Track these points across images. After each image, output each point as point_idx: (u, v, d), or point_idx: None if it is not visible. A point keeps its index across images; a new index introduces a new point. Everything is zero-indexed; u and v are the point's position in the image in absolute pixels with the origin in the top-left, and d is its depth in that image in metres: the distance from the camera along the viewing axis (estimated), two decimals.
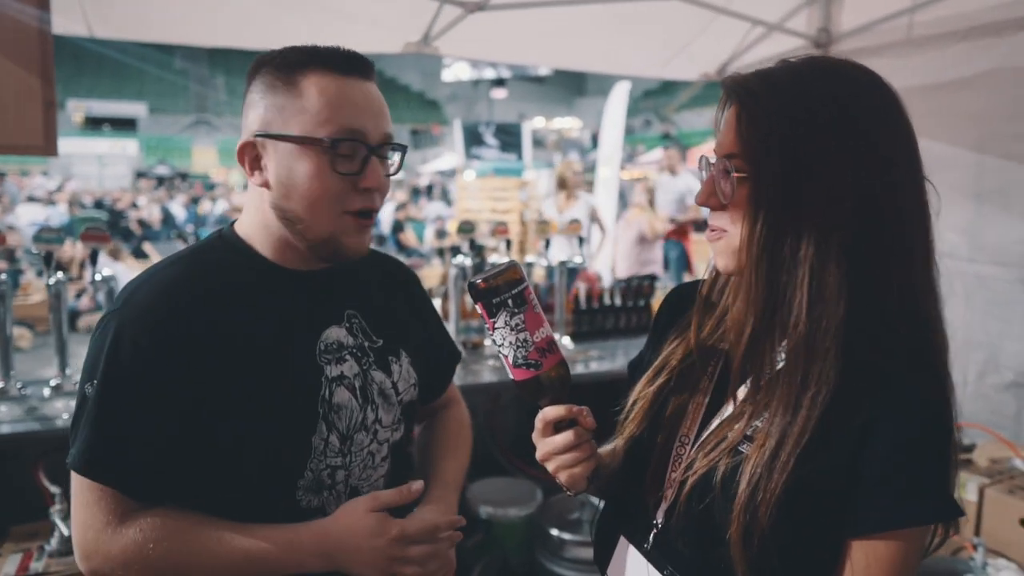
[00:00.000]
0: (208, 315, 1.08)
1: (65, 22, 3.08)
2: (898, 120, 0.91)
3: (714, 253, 0.98)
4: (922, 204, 0.92)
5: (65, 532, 2.04)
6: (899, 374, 0.88)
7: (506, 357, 0.98)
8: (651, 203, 6.56)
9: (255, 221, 1.16)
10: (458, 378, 2.85)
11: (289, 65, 1.08)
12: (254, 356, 1.09)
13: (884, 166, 0.88)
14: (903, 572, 0.87)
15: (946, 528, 0.91)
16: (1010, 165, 2.87)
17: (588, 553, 2.82)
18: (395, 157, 1.18)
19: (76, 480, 1.05)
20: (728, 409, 0.98)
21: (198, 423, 1.06)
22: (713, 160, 0.95)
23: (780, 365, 0.91)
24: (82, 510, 1.05)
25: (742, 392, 0.96)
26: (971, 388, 3.13)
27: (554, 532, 2.88)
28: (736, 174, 0.90)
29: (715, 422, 0.98)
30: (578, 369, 3.10)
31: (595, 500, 1.16)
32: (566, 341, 3.43)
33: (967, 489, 2.49)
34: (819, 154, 0.87)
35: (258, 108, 1.09)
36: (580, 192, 6.49)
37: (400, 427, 1.27)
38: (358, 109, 1.09)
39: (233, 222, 1.22)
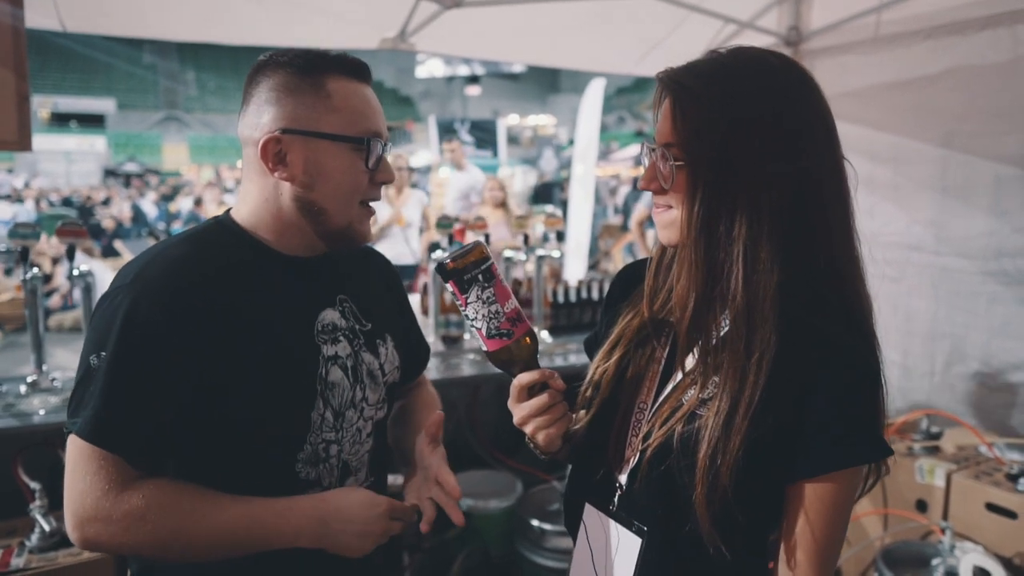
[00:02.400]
0: (214, 292, 1.13)
1: (37, 16, 3.04)
2: (818, 109, 1.00)
3: (658, 227, 1.07)
4: (841, 182, 1.02)
5: (46, 528, 2.04)
6: (831, 335, 0.97)
7: (479, 330, 1.05)
8: (505, 203, 6.06)
9: (262, 211, 1.21)
10: (437, 372, 2.90)
11: (310, 68, 1.16)
12: (257, 334, 1.15)
13: (806, 153, 0.97)
14: (840, 510, 0.98)
15: (877, 470, 1.01)
16: (973, 160, 2.95)
17: (568, 543, 2.86)
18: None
19: (77, 448, 1.07)
20: (678, 376, 1.05)
21: (205, 396, 1.10)
22: (653, 147, 1.03)
23: (724, 331, 1.00)
24: (81, 478, 1.06)
25: (690, 361, 1.04)
26: (938, 378, 3.21)
27: (534, 523, 2.92)
28: (674, 162, 0.99)
29: (668, 388, 1.06)
30: (557, 363, 3.14)
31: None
32: (544, 335, 3.47)
33: (935, 475, 2.57)
34: (747, 145, 0.95)
35: (280, 106, 1.15)
36: (408, 188, 6.17)
37: (383, 406, 1.35)
38: (374, 112, 1.21)
39: (228, 211, 1.26)
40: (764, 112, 0.96)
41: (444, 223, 3.28)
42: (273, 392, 1.15)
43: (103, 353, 1.07)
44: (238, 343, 1.13)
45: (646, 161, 1.05)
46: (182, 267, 1.13)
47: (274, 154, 1.15)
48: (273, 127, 1.15)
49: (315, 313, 1.23)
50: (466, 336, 3.30)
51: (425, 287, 3.60)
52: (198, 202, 13.02)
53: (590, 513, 1.14)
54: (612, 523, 1.10)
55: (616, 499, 1.09)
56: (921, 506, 2.62)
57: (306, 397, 1.19)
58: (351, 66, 1.19)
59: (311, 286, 1.25)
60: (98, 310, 1.12)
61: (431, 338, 3.21)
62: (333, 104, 1.16)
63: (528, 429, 1.08)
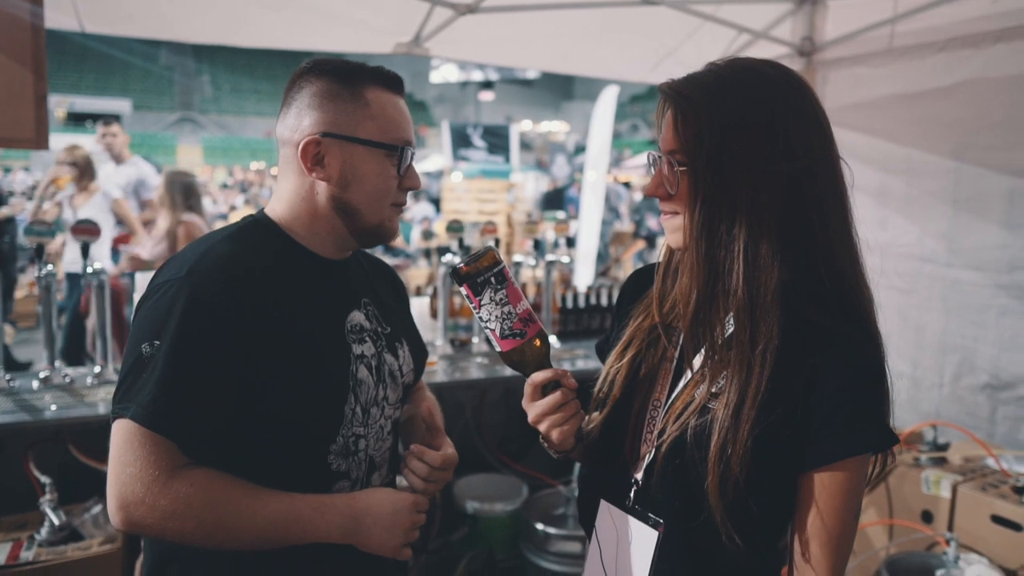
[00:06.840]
0: (259, 289, 1.19)
1: (56, 16, 3.08)
2: (811, 113, 1.04)
3: (667, 232, 1.11)
4: (837, 182, 1.05)
5: (56, 522, 2.06)
6: (832, 329, 1.01)
7: (493, 331, 1.09)
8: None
9: (298, 208, 1.29)
10: (445, 374, 2.92)
11: (351, 77, 1.25)
12: (298, 330, 1.21)
13: (800, 154, 1.01)
14: (850, 499, 1.01)
15: (884, 458, 1.04)
16: (985, 173, 2.95)
17: (573, 547, 2.87)
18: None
19: (128, 432, 1.09)
20: (689, 374, 1.09)
21: (250, 387, 1.15)
22: (659, 156, 1.08)
23: (730, 331, 1.03)
24: (132, 463, 1.09)
25: (698, 360, 1.07)
26: (947, 389, 3.20)
27: (539, 527, 2.92)
28: (678, 168, 1.04)
29: (680, 385, 1.09)
30: (565, 367, 3.15)
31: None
32: (553, 340, 3.47)
33: (941, 486, 2.56)
34: (744, 149, 1.00)
35: (321, 111, 1.24)
36: (94, 184, 5.32)
37: (400, 406, 1.42)
38: (406, 122, 1.30)
39: (262, 209, 1.34)
40: (757, 119, 1.01)
41: (455, 227, 3.30)
42: (313, 385, 1.21)
43: (157, 342, 1.11)
44: (281, 338, 1.19)
45: (652, 170, 1.10)
46: (231, 263, 1.19)
47: (313, 156, 1.23)
48: (314, 130, 1.23)
49: (345, 313, 1.31)
50: (474, 340, 3.31)
51: (434, 291, 3.62)
52: (232, 208, 13.29)
53: (605, 509, 1.17)
54: (629, 518, 1.12)
55: (632, 494, 1.12)
56: (927, 517, 2.61)
57: (341, 391, 1.25)
58: (388, 78, 1.28)
59: (340, 287, 1.33)
60: (148, 301, 1.17)
61: (439, 341, 3.23)
62: (371, 112, 1.24)
63: (542, 427, 1.11)
